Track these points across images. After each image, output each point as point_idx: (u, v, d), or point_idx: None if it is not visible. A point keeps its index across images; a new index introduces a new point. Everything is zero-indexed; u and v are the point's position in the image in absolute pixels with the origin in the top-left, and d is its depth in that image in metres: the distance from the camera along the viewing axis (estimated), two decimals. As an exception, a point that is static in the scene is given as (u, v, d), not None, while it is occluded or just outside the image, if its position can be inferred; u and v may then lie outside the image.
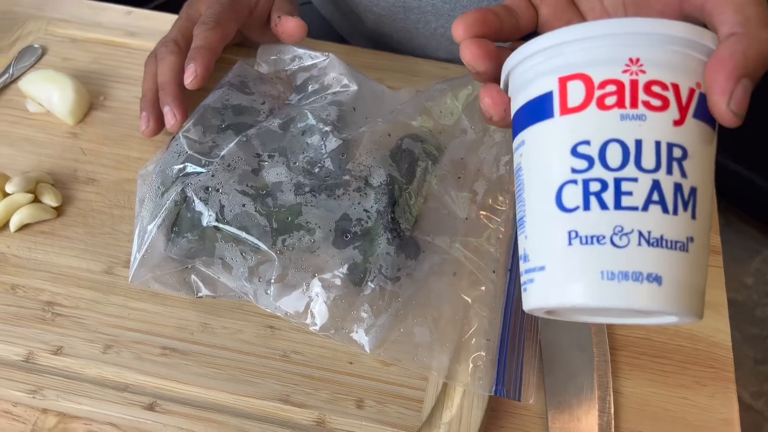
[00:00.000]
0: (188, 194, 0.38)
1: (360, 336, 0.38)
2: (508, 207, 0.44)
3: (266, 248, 0.37)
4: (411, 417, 0.37)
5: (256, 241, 0.38)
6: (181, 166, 0.40)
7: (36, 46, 0.56)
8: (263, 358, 0.39)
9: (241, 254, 0.38)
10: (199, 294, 0.41)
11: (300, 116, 0.43)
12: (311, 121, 0.42)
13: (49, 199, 0.45)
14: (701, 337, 0.42)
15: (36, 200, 0.45)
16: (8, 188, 0.45)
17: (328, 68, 0.48)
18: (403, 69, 0.57)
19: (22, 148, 0.49)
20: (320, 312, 0.38)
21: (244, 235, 0.38)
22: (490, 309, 0.40)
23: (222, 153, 0.40)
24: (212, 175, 0.39)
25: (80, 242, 0.44)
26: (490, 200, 0.44)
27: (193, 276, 0.41)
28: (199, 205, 0.38)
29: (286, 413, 0.37)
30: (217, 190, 0.38)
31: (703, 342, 0.42)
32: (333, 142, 0.40)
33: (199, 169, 0.40)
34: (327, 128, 0.41)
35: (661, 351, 0.41)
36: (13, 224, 0.44)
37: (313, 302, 0.38)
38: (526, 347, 0.39)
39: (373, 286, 0.38)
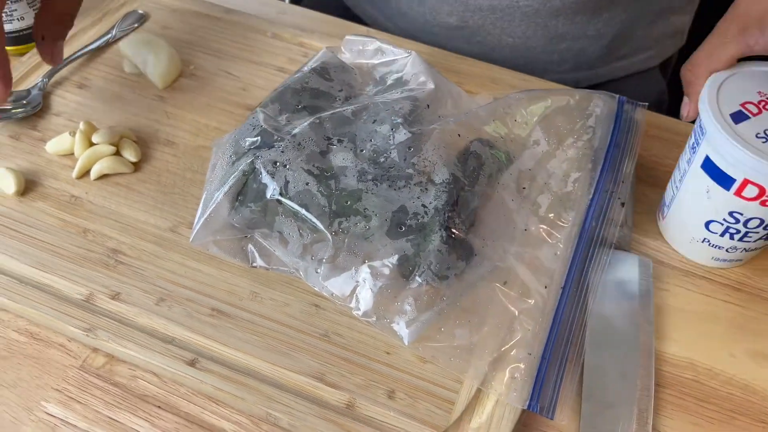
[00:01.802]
0: (257, 166, 0.40)
1: (400, 328, 0.38)
2: (570, 225, 0.43)
3: (322, 228, 0.38)
4: (440, 416, 0.37)
5: (313, 219, 0.39)
6: (255, 139, 0.41)
7: (140, 11, 0.60)
8: (304, 334, 0.40)
9: (299, 231, 0.39)
10: (254, 263, 0.42)
11: (373, 106, 0.43)
12: (383, 111, 0.42)
13: (129, 154, 0.48)
14: (756, 389, 0.40)
15: (117, 153, 0.48)
16: (94, 138, 0.48)
17: (408, 64, 0.49)
18: (483, 75, 0.57)
19: (112, 105, 0.52)
20: (365, 297, 0.38)
21: (303, 212, 0.39)
22: (536, 323, 0.39)
23: (294, 131, 0.41)
24: (282, 151, 0.40)
25: (151, 198, 0.46)
26: (552, 215, 0.43)
27: (250, 245, 0.42)
28: (265, 178, 0.39)
29: (318, 391, 0.38)
30: (285, 166, 0.39)
31: (758, 395, 0.40)
32: (402, 135, 0.41)
33: (265, 142, 0.41)
34: (398, 120, 0.42)
35: (710, 396, 0.40)
36: (94, 173, 0.47)
37: (359, 287, 0.38)
38: (568, 368, 0.38)
39: (420, 280, 0.38)
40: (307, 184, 0.39)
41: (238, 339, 0.40)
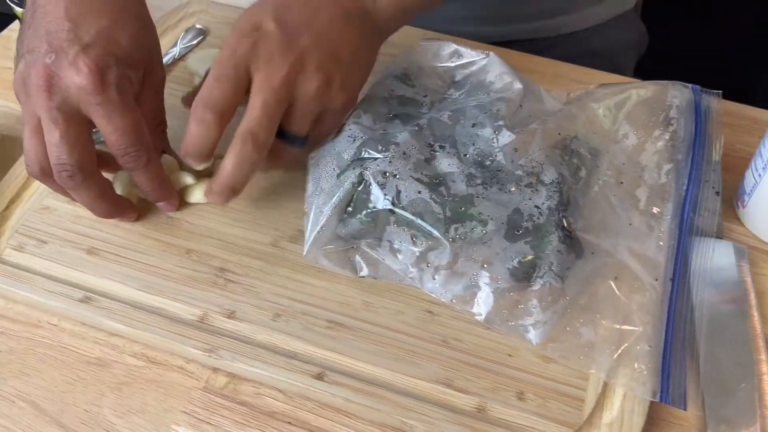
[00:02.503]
0: (366, 178, 0.40)
1: (528, 330, 0.38)
2: (669, 216, 0.44)
3: (439, 235, 0.38)
4: (572, 414, 0.38)
5: (429, 227, 0.39)
6: (356, 150, 0.41)
7: (199, 26, 0.59)
8: (424, 341, 0.40)
9: (412, 239, 0.39)
10: (361, 273, 0.42)
11: (469, 109, 0.43)
12: (481, 114, 0.43)
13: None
14: None
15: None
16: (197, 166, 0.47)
17: (487, 66, 0.49)
18: (547, 71, 0.57)
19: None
20: (486, 302, 0.39)
21: (418, 221, 0.39)
22: (652, 316, 0.40)
23: (396, 140, 0.41)
24: (389, 162, 0.40)
25: (247, 214, 0.46)
26: (652, 208, 0.44)
27: (357, 256, 0.42)
28: (375, 189, 0.40)
29: (448, 397, 0.38)
30: (395, 176, 0.40)
31: None
32: (506, 137, 0.41)
33: (374, 155, 0.41)
34: (499, 122, 0.42)
35: (827, 377, 0.40)
36: (195, 200, 0.46)
37: (480, 292, 0.39)
38: (687, 359, 0.39)
39: (542, 282, 0.38)
40: (419, 192, 0.39)
41: (361, 350, 0.40)
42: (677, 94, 0.50)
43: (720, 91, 0.51)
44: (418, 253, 0.39)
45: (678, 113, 0.49)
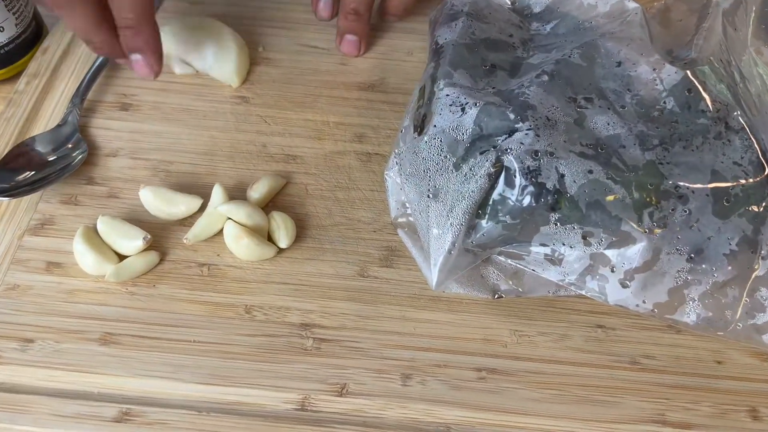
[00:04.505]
0: (507, 164, 0.28)
1: (763, 331, 0.29)
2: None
3: (632, 226, 0.28)
4: (826, 425, 0.29)
5: (614, 219, 0.28)
6: (474, 126, 0.29)
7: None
8: (606, 368, 0.30)
9: (583, 238, 0.28)
10: (499, 293, 0.31)
11: (601, 43, 0.32)
12: (624, 48, 0.31)
13: (283, 236, 0.33)
14: None
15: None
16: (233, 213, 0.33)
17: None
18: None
19: (184, 123, 0.38)
20: (700, 303, 0.28)
21: (598, 212, 0.28)
22: None
23: (528, 99, 0.29)
24: (536, 134, 0.28)
25: (311, 239, 0.33)
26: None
27: (490, 269, 0.31)
28: (525, 178, 0.28)
29: (667, 439, 0.28)
30: (550, 154, 0.28)
31: None
32: (673, 74, 0.30)
33: (505, 127, 0.29)
34: (655, 56, 0.31)
35: None
36: (243, 255, 0.33)
37: (688, 291, 0.28)
38: None
39: None
40: (590, 171, 0.28)
41: (531, 400, 0.29)
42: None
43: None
44: (590, 256, 0.29)
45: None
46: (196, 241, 0.33)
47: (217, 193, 0.33)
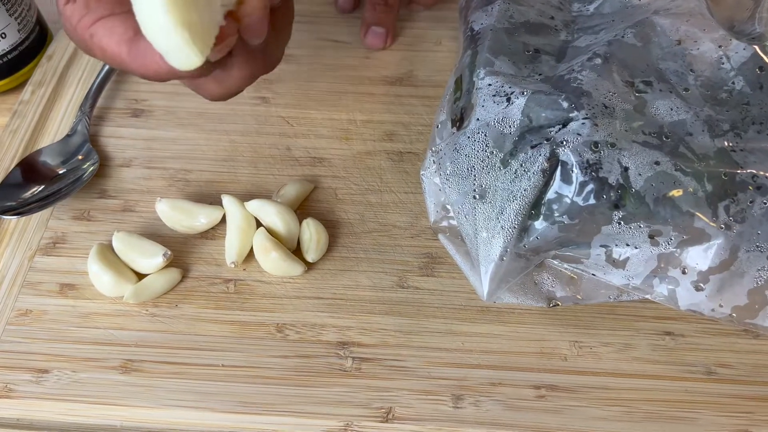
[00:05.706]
0: (563, 158, 0.25)
1: None
2: None
3: (706, 222, 0.25)
4: None
5: (685, 215, 0.25)
6: (522, 117, 0.26)
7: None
8: (677, 380, 0.27)
9: (650, 237, 0.25)
10: (554, 301, 0.28)
11: (657, 21, 0.29)
12: (683, 25, 0.28)
13: (313, 249, 0.30)
14: None
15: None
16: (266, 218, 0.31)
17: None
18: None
19: (201, 128, 0.35)
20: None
21: (667, 208, 0.25)
22: None
23: (582, 85, 0.27)
24: (594, 124, 0.25)
25: (343, 248, 0.31)
26: None
27: (544, 275, 0.28)
28: (584, 173, 0.25)
29: (754, 459, 0.25)
30: (612, 145, 0.25)
31: None
32: (741, 51, 0.27)
33: (558, 117, 0.26)
34: (719, 32, 0.28)
35: None
36: (270, 269, 0.30)
37: (771, 292, 0.25)
38: None
39: None
40: (656, 163, 0.25)
41: (598, 419, 0.26)
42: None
43: None
44: (657, 258, 0.26)
45: None
46: (242, 260, 0.30)
47: (231, 203, 0.30)
